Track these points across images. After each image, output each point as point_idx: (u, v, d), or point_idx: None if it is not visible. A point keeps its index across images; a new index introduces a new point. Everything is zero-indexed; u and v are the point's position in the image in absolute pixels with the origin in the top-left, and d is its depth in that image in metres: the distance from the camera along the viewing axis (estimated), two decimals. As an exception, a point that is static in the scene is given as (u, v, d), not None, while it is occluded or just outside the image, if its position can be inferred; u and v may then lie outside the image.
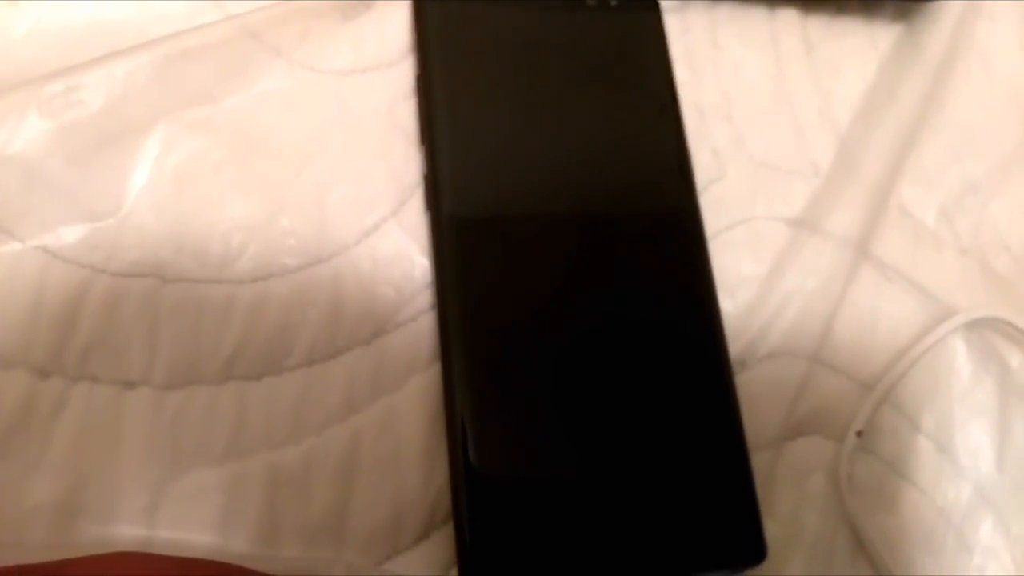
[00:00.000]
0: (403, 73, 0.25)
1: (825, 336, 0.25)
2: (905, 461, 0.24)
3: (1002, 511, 0.24)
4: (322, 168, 0.24)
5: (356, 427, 0.22)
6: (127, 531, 0.20)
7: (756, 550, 0.22)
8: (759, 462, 0.23)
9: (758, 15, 0.29)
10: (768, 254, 0.26)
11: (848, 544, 0.23)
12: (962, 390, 0.25)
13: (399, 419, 0.22)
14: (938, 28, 0.30)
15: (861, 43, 0.29)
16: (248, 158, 0.23)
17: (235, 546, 0.20)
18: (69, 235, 0.21)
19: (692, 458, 0.22)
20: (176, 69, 0.23)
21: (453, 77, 0.25)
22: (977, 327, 0.26)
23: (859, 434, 0.24)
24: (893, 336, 0.25)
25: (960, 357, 0.25)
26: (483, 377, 0.22)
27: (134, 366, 0.21)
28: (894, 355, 0.25)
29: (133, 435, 0.21)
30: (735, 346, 0.24)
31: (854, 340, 0.25)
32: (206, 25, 0.24)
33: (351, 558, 0.21)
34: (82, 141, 0.22)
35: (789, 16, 0.29)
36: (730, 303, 0.25)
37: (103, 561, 0.16)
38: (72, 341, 0.21)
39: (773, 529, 0.22)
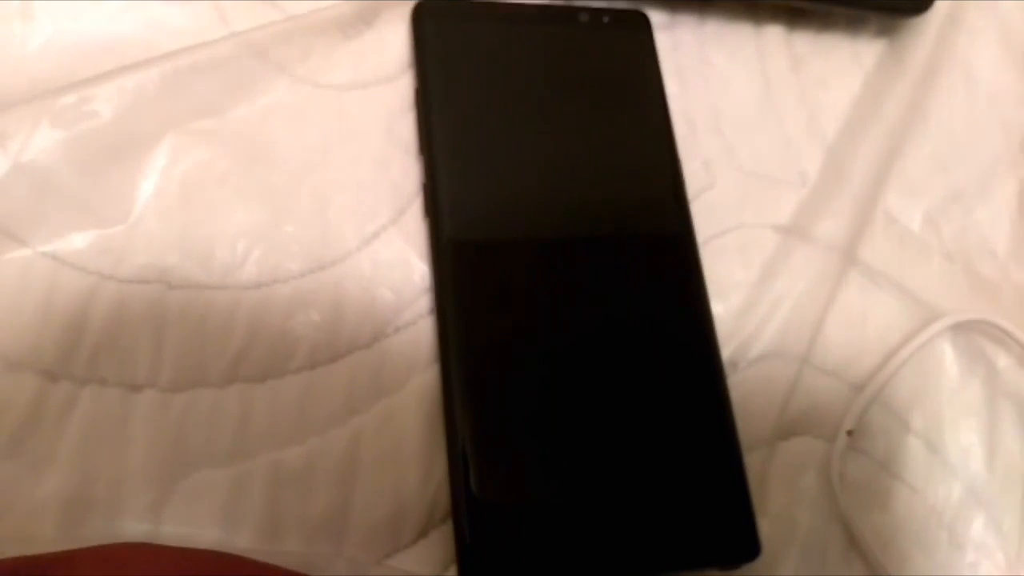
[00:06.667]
0: (402, 88, 0.26)
1: (815, 339, 0.25)
2: (896, 460, 0.25)
3: (993, 509, 0.25)
4: (324, 178, 0.24)
5: (357, 427, 0.22)
6: (134, 526, 0.20)
7: (750, 547, 0.22)
8: (752, 461, 0.23)
9: (745, 31, 0.30)
10: (758, 260, 0.26)
11: (841, 542, 0.24)
12: (951, 391, 0.26)
13: (399, 420, 0.22)
14: (921, 42, 0.31)
15: (846, 57, 0.30)
16: (253, 168, 0.24)
17: (238, 542, 0.20)
18: (78, 242, 0.22)
19: (686, 458, 0.22)
20: (184, 83, 0.24)
21: (450, 91, 0.25)
22: (964, 329, 0.26)
23: (850, 433, 0.24)
24: (882, 338, 0.26)
25: (948, 358, 0.26)
26: (482, 381, 0.22)
27: (141, 369, 0.22)
28: (883, 357, 0.26)
29: (140, 436, 0.21)
30: (727, 348, 0.25)
31: (843, 342, 0.26)
32: (213, 42, 0.24)
33: (352, 555, 0.21)
34: (93, 151, 0.23)
35: (775, 32, 0.30)
36: (722, 307, 0.25)
37: (105, 551, 0.17)
38: (80, 345, 0.21)
39: (766, 527, 0.22)
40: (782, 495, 0.24)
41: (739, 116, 0.29)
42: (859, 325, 0.26)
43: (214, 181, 0.23)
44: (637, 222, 0.25)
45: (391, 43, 0.26)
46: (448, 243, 0.23)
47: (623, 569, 0.21)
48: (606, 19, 0.28)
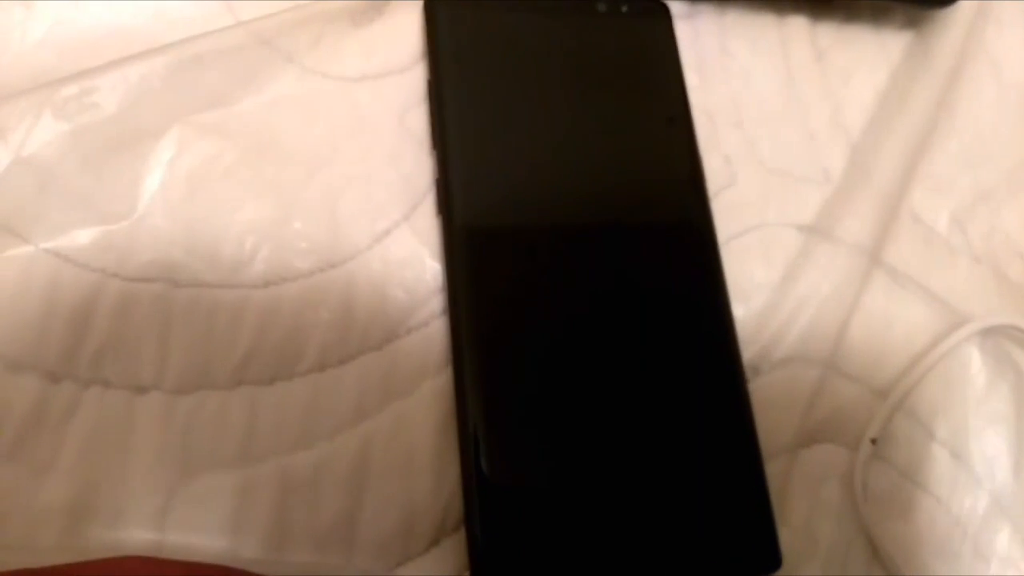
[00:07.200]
0: (414, 79, 0.25)
1: (838, 343, 0.25)
2: (920, 469, 0.24)
3: (1019, 520, 0.24)
4: (334, 172, 0.24)
5: (367, 432, 0.21)
6: (137, 535, 0.20)
7: (771, 558, 0.21)
8: (773, 470, 0.23)
9: (767, 22, 0.29)
10: (780, 260, 0.26)
11: (863, 553, 0.23)
12: (977, 398, 0.25)
13: (410, 424, 0.22)
14: (948, 35, 0.30)
15: (871, 50, 0.29)
16: (260, 162, 0.23)
17: (245, 551, 0.20)
18: (82, 238, 0.21)
19: (706, 465, 0.22)
20: (189, 74, 0.23)
21: (464, 82, 0.25)
22: (992, 334, 0.25)
23: (874, 442, 0.24)
24: (907, 343, 0.25)
25: (975, 364, 0.25)
26: (495, 383, 0.22)
27: (145, 371, 0.21)
28: (908, 362, 0.25)
29: (144, 440, 0.20)
30: (748, 352, 0.24)
31: (868, 347, 0.25)
32: (219, 31, 0.24)
33: (362, 564, 0.20)
34: (96, 144, 0.22)
35: (798, 23, 0.29)
36: (742, 309, 0.25)
37: (108, 565, 0.16)
38: (84, 345, 0.21)
39: (788, 537, 0.22)
40: (804, 505, 0.23)
41: (761, 110, 0.28)
42: (884, 329, 0.25)
43: (221, 175, 0.23)
44: (656, 221, 0.24)
45: (403, 33, 0.26)
46: (462, 240, 0.23)
47: (639, 579, 0.21)
48: (625, 8, 0.27)
